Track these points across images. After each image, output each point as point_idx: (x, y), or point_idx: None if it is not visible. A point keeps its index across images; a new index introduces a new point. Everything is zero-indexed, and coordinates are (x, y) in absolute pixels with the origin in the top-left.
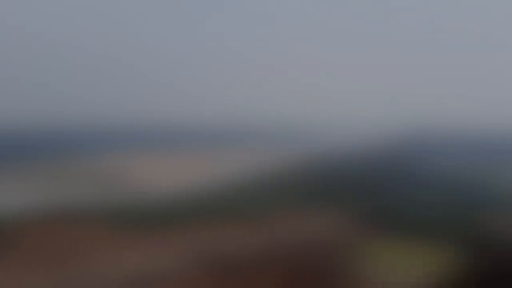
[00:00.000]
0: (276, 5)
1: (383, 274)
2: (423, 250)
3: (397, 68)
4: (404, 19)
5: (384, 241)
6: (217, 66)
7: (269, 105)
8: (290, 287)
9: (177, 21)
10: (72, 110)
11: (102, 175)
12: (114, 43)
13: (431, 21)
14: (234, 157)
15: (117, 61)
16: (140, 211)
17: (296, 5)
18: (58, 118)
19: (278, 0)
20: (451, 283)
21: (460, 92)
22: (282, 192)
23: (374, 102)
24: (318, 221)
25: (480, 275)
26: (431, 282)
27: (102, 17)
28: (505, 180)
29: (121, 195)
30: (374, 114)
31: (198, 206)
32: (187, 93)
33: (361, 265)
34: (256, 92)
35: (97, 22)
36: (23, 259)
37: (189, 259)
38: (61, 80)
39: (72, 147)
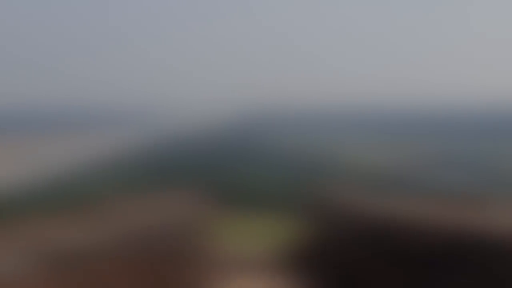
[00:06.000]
0: None
1: (235, 247)
2: (270, 222)
3: (241, 50)
4: (254, 5)
5: (235, 217)
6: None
7: (111, 88)
8: (146, 270)
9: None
10: None
11: None
12: None
13: (276, 5)
14: (75, 143)
15: None
16: None
17: None
18: None
19: None
20: (298, 250)
21: (301, 70)
22: (128, 176)
23: (218, 83)
24: (168, 203)
25: (325, 243)
26: (281, 250)
27: None
28: (345, 153)
29: None
30: (218, 95)
31: (39, 196)
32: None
33: (214, 241)
34: (98, 75)
35: None
36: None
37: (31, 255)
38: None
39: None
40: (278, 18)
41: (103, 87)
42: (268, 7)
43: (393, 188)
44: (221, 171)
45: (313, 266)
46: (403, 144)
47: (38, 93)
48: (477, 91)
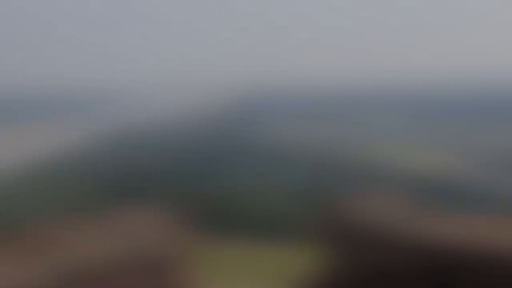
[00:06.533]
0: None
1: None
2: (276, 252)
3: (234, 25)
4: None
5: (224, 244)
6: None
7: (68, 69)
8: None
9: None
10: None
11: None
12: None
13: None
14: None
15: None
16: None
17: None
18: None
19: None
20: None
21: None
22: (73, 187)
23: (203, 64)
24: (131, 226)
25: (352, 277)
26: None
27: None
28: (374, 151)
29: None
30: (202, 78)
31: None
32: None
33: (196, 280)
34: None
35: None
36: None
37: None
38: None
39: None
40: None
41: (58, 67)
42: None
43: (446, 200)
44: (205, 179)
45: None
46: (452, 138)
47: None
48: None
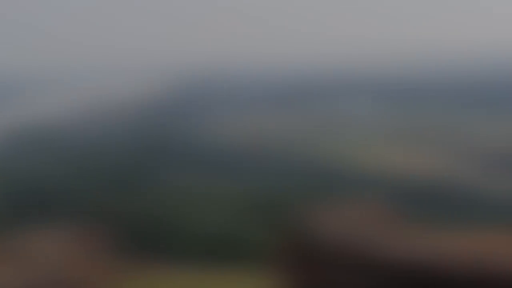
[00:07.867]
0: None
1: None
2: (221, 280)
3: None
4: None
5: (158, 271)
6: None
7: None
8: None
9: None
10: None
11: None
12: None
13: None
14: None
15: None
16: None
17: None
18: None
19: None
20: None
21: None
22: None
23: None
24: (44, 246)
25: None
26: None
27: None
28: (348, 150)
29: None
30: (130, 59)
31: None
32: None
33: None
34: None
35: None
36: None
37: None
38: None
39: None
40: None
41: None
42: None
43: (432, 210)
44: (131, 189)
45: None
46: (439, 131)
47: None
48: None
